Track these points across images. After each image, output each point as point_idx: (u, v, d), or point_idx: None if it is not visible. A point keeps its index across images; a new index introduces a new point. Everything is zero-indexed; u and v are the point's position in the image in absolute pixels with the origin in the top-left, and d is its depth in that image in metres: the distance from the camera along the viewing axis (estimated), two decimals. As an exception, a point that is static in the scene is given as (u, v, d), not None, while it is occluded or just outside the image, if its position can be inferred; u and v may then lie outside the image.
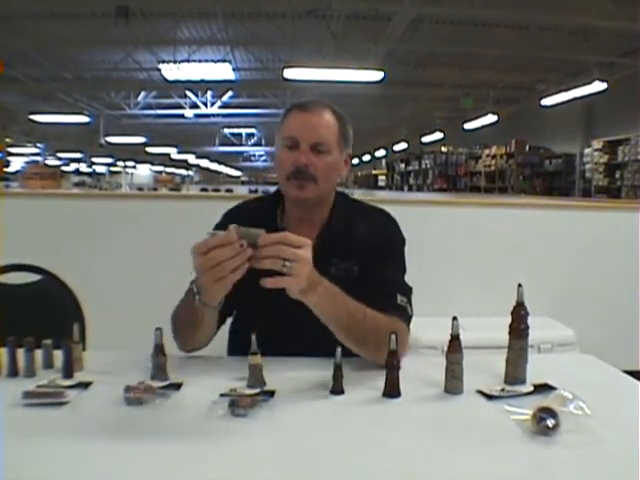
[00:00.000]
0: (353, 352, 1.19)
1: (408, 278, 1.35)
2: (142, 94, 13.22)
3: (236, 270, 1.04)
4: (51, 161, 21.49)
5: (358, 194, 9.14)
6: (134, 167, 25.80)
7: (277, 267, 1.04)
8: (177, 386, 1.11)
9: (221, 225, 1.33)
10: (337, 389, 1.08)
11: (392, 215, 1.43)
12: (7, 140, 16.69)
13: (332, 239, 1.33)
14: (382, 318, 1.19)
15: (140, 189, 12.42)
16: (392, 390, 1.07)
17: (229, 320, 1.41)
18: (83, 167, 25.17)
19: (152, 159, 23.72)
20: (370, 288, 1.24)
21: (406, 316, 1.27)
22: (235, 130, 18.29)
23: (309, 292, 1.09)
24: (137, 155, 21.74)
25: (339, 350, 1.08)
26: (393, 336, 1.07)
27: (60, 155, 22.17)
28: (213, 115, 14.29)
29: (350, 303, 1.16)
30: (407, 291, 1.31)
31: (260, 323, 1.17)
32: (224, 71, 8.56)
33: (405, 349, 1.21)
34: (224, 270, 1.03)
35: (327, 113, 1.32)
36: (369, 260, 1.31)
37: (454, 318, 1.08)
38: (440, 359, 1.11)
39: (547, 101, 9.39)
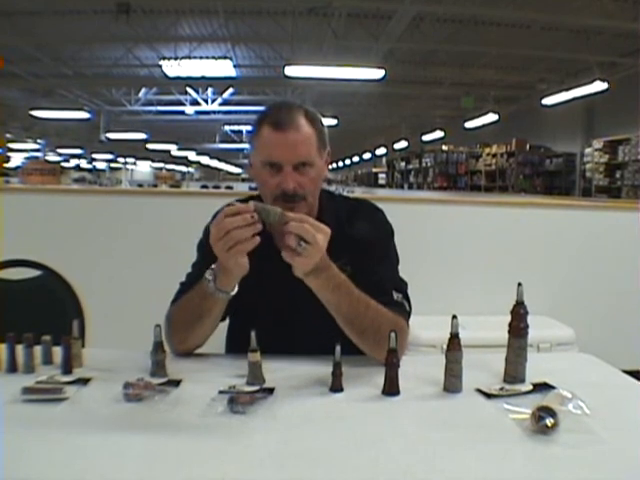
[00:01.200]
0: (352, 350, 1.19)
1: (408, 277, 1.34)
2: (143, 90, 13.20)
3: (246, 241, 1.06)
4: (51, 157, 21.47)
5: (359, 192, 9.18)
6: (134, 163, 25.81)
7: (293, 244, 1.07)
8: (176, 383, 1.11)
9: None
10: (336, 387, 1.08)
11: (377, 205, 1.41)
12: (7, 136, 16.66)
13: None
14: (386, 313, 1.19)
15: (140, 185, 12.38)
16: (391, 388, 1.07)
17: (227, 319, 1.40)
18: (83, 163, 25.19)
19: (152, 156, 23.71)
20: (365, 287, 1.21)
21: (404, 312, 1.26)
22: (236, 127, 18.23)
23: (311, 276, 1.12)
24: (137, 151, 21.72)
25: (338, 348, 1.08)
26: (393, 334, 1.07)
27: (60, 151, 22.16)
28: (214, 112, 14.26)
29: (354, 294, 1.17)
30: (402, 286, 1.31)
31: (260, 320, 1.17)
32: (225, 68, 8.54)
33: (404, 348, 1.21)
34: (233, 239, 1.06)
35: (302, 122, 1.23)
36: (361, 258, 1.28)
37: (453, 317, 1.08)
38: (439, 357, 1.11)
39: (548, 100, 9.39)
